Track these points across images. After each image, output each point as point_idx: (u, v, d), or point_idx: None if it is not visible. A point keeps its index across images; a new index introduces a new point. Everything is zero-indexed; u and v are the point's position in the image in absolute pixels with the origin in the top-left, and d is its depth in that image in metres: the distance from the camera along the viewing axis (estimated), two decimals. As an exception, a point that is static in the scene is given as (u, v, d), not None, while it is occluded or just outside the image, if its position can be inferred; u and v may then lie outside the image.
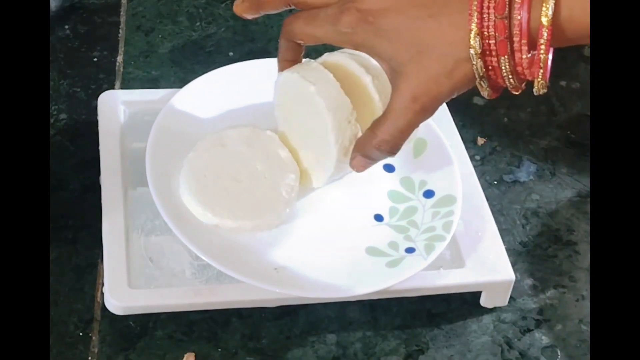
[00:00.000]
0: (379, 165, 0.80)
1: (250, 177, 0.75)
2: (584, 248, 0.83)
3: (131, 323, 0.73)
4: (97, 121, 0.82)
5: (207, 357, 0.72)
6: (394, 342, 0.74)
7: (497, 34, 0.60)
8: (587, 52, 1.02)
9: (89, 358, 0.71)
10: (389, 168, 0.81)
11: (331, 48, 0.73)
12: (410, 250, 0.73)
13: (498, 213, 0.84)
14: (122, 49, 0.97)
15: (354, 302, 0.75)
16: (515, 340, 0.76)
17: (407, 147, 0.79)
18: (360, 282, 0.71)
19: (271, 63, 0.84)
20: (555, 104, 0.97)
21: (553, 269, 0.81)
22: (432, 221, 0.75)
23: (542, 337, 0.76)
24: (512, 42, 0.61)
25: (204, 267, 0.73)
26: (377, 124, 0.66)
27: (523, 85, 0.63)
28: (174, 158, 0.76)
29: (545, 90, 0.62)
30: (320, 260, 0.73)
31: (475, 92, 0.97)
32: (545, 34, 0.59)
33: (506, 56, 0.61)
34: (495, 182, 0.88)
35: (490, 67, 0.62)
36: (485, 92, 0.63)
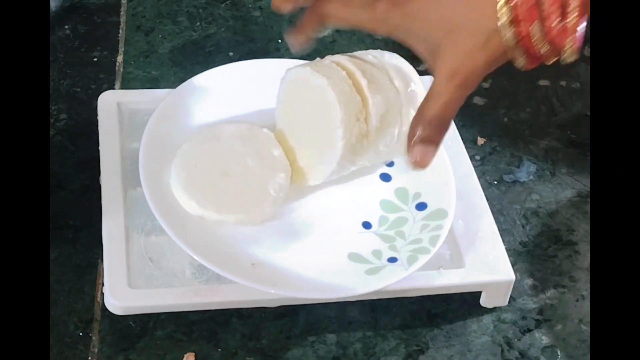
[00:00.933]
0: (375, 174, 0.80)
1: (240, 172, 0.76)
2: (584, 248, 0.83)
3: (131, 323, 0.73)
4: (97, 121, 0.82)
5: (207, 357, 0.72)
6: (394, 342, 0.74)
7: (525, 0, 0.60)
8: (587, 51, 1.02)
9: (89, 358, 0.71)
10: (385, 177, 0.81)
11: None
12: (392, 259, 0.73)
13: (498, 213, 0.84)
14: (122, 49, 0.97)
15: (354, 302, 0.75)
16: (515, 340, 0.76)
17: (405, 157, 0.80)
18: (334, 286, 0.71)
19: (271, 63, 0.85)
20: (556, 103, 0.97)
21: (553, 269, 0.81)
22: (419, 233, 0.75)
23: (542, 337, 0.76)
24: (541, 9, 0.60)
25: (204, 267, 0.73)
26: (422, 104, 0.66)
27: (558, 53, 0.62)
28: (168, 150, 0.76)
29: (574, 58, 0.61)
30: (300, 260, 0.73)
31: (475, 92, 0.98)
32: None
33: (536, 22, 0.60)
34: (495, 182, 0.88)
35: (521, 36, 0.61)
36: (520, 62, 0.63)
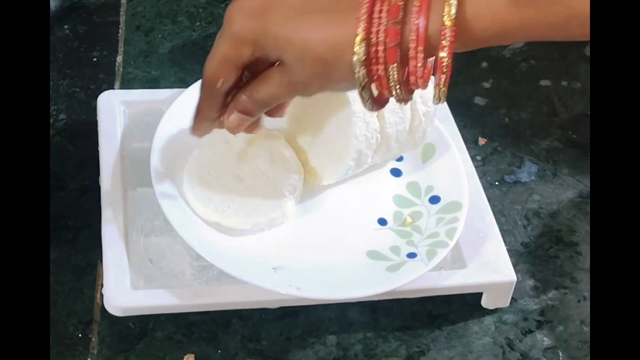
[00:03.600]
0: (385, 169, 0.80)
1: (253, 176, 0.76)
2: (586, 249, 0.83)
3: (130, 324, 0.73)
4: (96, 121, 0.82)
5: (207, 358, 0.72)
6: (394, 344, 0.74)
7: (387, 40, 0.56)
8: (588, 51, 1.02)
9: (88, 359, 0.71)
10: (396, 172, 0.81)
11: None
12: (411, 255, 0.73)
13: (499, 214, 0.84)
14: (122, 48, 0.97)
15: (355, 303, 0.75)
16: (517, 341, 0.75)
17: (415, 152, 0.80)
18: (358, 285, 0.71)
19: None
20: (557, 104, 0.97)
21: (554, 270, 0.81)
22: (436, 227, 0.75)
23: (543, 339, 0.76)
24: (404, 49, 0.56)
25: (203, 268, 0.73)
26: (256, 84, 0.63)
27: (410, 96, 0.60)
28: (178, 155, 0.76)
29: (445, 100, 0.58)
30: (320, 261, 0.73)
31: (476, 92, 0.98)
32: (449, 36, 0.55)
33: (395, 64, 0.57)
34: (497, 183, 0.88)
35: (375, 77, 0.58)
36: (366, 105, 0.59)
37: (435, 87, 0.57)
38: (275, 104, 0.65)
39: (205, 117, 0.66)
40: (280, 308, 0.74)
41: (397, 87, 0.58)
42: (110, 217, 0.74)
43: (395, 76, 0.57)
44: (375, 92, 0.59)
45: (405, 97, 0.59)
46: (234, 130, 0.66)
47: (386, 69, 0.57)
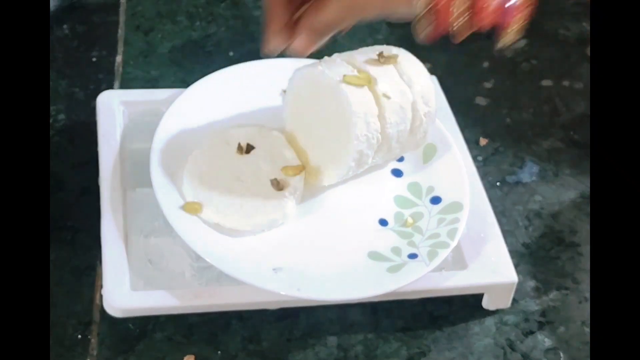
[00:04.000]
0: (386, 170, 0.80)
1: (253, 176, 0.75)
2: (587, 250, 0.82)
3: (130, 325, 0.72)
4: (95, 122, 0.82)
5: (207, 359, 0.71)
6: (395, 345, 0.74)
7: None
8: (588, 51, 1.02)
9: (88, 361, 0.71)
10: (397, 173, 0.80)
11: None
12: (412, 256, 0.73)
13: (500, 214, 0.83)
14: (121, 48, 0.96)
15: (355, 304, 0.75)
16: (518, 342, 0.75)
17: (416, 152, 0.79)
18: (358, 286, 0.71)
19: (279, 64, 0.84)
20: (559, 104, 0.97)
21: (556, 271, 0.81)
22: (437, 228, 0.75)
23: (544, 340, 0.76)
24: None
25: (203, 269, 0.73)
26: (318, 5, 0.66)
27: (465, 34, 0.60)
28: (179, 155, 0.76)
29: (521, 36, 0.58)
30: (321, 262, 0.72)
31: (477, 92, 0.98)
32: None
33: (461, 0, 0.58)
34: (498, 183, 0.87)
35: (435, 9, 0.59)
36: (422, 35, 0.61)
37: (510, 28, 0.58)
38: (340, 26, 0.66)
39: (274, 31, 0.68)
40: (281, 309, 0.74)
41: (458, 22, 0.59)
42: (110, 218, 0.73)
43: (460, 10, 0.58)
44: (426, 24, 0.61)
45: (462, 34, 0.60)
46: (303, 52, 0.68)
47: (448, 3, 0.58)
